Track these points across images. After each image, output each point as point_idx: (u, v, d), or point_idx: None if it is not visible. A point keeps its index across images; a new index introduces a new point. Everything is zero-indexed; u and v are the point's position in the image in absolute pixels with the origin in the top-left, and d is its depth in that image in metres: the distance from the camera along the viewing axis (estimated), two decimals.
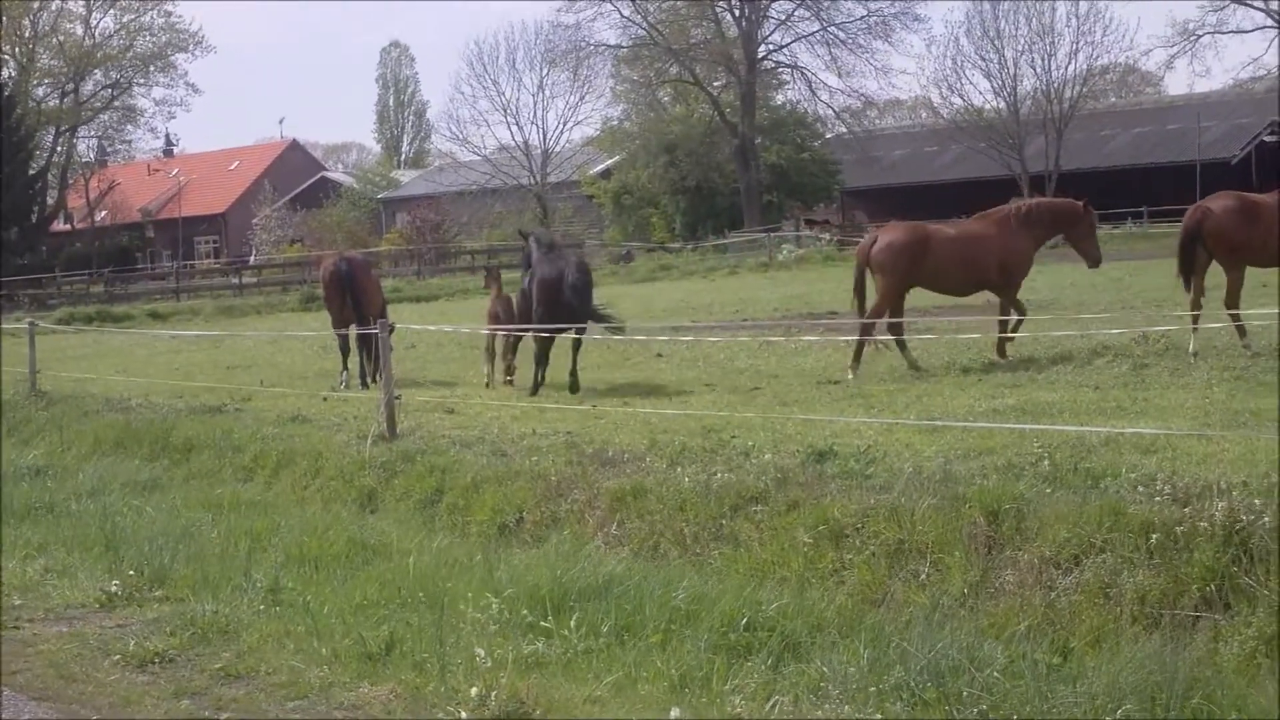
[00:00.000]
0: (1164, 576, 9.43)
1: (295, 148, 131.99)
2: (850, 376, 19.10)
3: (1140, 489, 10.42)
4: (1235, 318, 18.97)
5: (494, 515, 13.83)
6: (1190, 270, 19.52)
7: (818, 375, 19.56)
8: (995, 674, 8.56)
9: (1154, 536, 9.62)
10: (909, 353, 19.92)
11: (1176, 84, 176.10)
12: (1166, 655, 8.49)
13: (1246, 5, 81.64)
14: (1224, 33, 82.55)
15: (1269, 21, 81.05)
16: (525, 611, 10.35)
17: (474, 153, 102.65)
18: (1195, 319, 18.80)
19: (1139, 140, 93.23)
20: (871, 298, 20.30)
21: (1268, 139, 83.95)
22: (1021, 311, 20.67)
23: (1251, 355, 17.76)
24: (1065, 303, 21.63)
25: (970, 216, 22.17)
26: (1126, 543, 9.72)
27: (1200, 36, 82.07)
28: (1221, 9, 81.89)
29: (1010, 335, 19.86)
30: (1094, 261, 21.32)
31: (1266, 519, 9.39)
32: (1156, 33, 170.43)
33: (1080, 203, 21.22)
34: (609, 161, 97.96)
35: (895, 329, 20.11)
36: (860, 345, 19.74)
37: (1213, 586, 9.24)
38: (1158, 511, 9.89)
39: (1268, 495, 9.74)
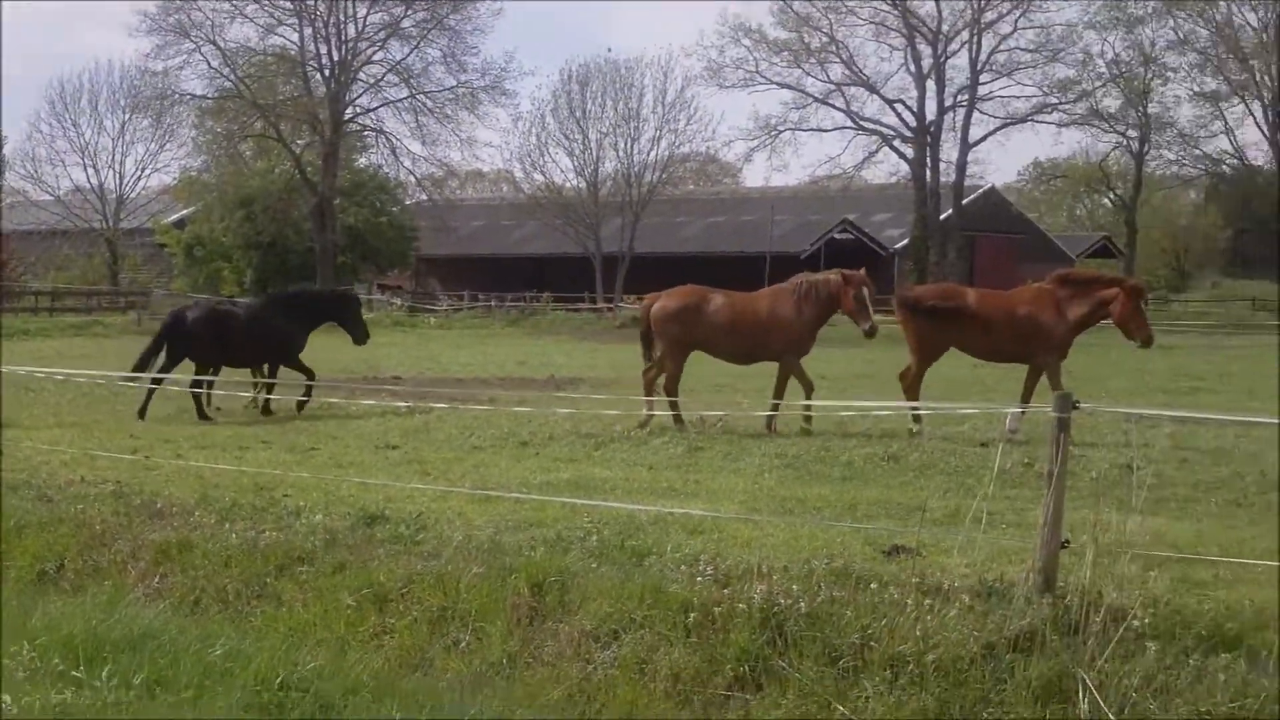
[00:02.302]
0: (699, 655, 9.60)
1: None
2: (638, 427, 19.70)
3: (684, 568, 10.60)
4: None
5: (34, 562, 13.48)
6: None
7: (376, 439, 19.40)
8: None
9: (692, 615, 9.79)
10: (683, 424, 20.03)
11: (754, 177, 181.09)
12: None
13: (828, 105, 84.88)
14: (804, 130, 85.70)
15: (848, 122, 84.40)
16: (57, 660, 9.98)
17: (47, 192, 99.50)
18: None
19: (712, 229, 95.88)
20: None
21: (839, 236, 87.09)
22: (808, 385, 20.36)
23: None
24: (626, 381, 21.93)
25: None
26: (665, 620, 9.88)
27: (781, 132, 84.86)
28: (804, 107, 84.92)
29: (808, 411, 19.88)
30: (866, 333, 20.22)
31: (803, 604, 9.63)
32: (739, 125, 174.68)
33: (840, 277, 20.69)
34: (185, 211, 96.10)
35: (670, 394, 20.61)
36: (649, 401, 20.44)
37: (746, 667, 9.44)
38: (698, 591, 10.08)
39: (806, 581, 10.00)
